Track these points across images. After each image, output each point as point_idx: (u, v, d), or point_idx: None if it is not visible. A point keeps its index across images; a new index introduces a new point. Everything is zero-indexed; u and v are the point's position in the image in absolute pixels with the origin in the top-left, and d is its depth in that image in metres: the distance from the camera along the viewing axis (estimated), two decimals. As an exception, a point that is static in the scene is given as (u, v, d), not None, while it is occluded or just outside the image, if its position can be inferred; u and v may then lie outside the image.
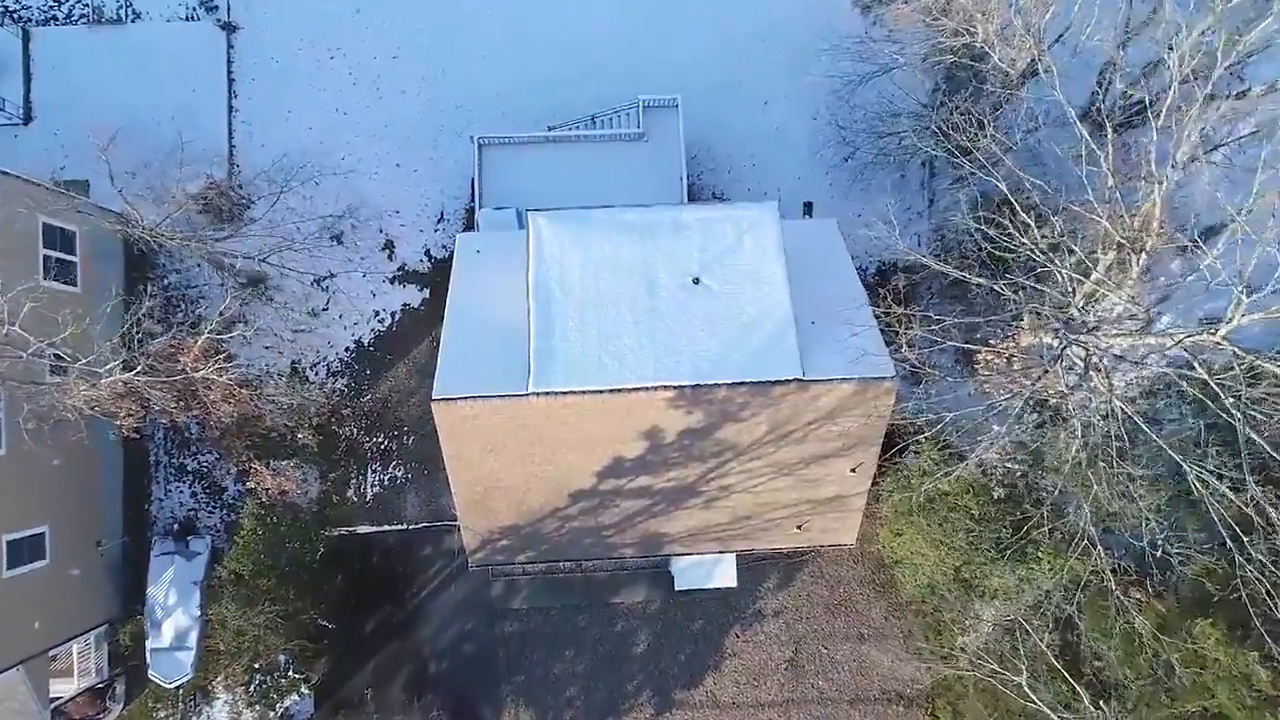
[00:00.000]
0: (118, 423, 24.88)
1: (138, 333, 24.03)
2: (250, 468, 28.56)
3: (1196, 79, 21.86)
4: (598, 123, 32.12)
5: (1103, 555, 22.42)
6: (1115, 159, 23.51)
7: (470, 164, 31.63)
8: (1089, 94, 29.75)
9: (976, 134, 24.81)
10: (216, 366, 24.53)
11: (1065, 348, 24.04)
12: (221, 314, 25.12)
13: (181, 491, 32.45)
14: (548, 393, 23.30)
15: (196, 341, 24.13)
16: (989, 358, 27.31)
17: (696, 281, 24.29)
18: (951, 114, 25.99)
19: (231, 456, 29.13)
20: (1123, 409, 21.72)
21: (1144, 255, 22.22)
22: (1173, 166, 21.35)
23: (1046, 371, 23.41)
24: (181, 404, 24.88)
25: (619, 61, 33.65)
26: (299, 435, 29.97)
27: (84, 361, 22.98)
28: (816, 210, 33.87)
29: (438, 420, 24.04)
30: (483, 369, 24.07)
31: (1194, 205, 30.25)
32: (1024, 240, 23.20)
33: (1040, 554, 25.13)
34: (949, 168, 34.01)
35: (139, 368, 23.25)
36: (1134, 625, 23.24)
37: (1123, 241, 21.76)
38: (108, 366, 22.98)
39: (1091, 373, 22.35)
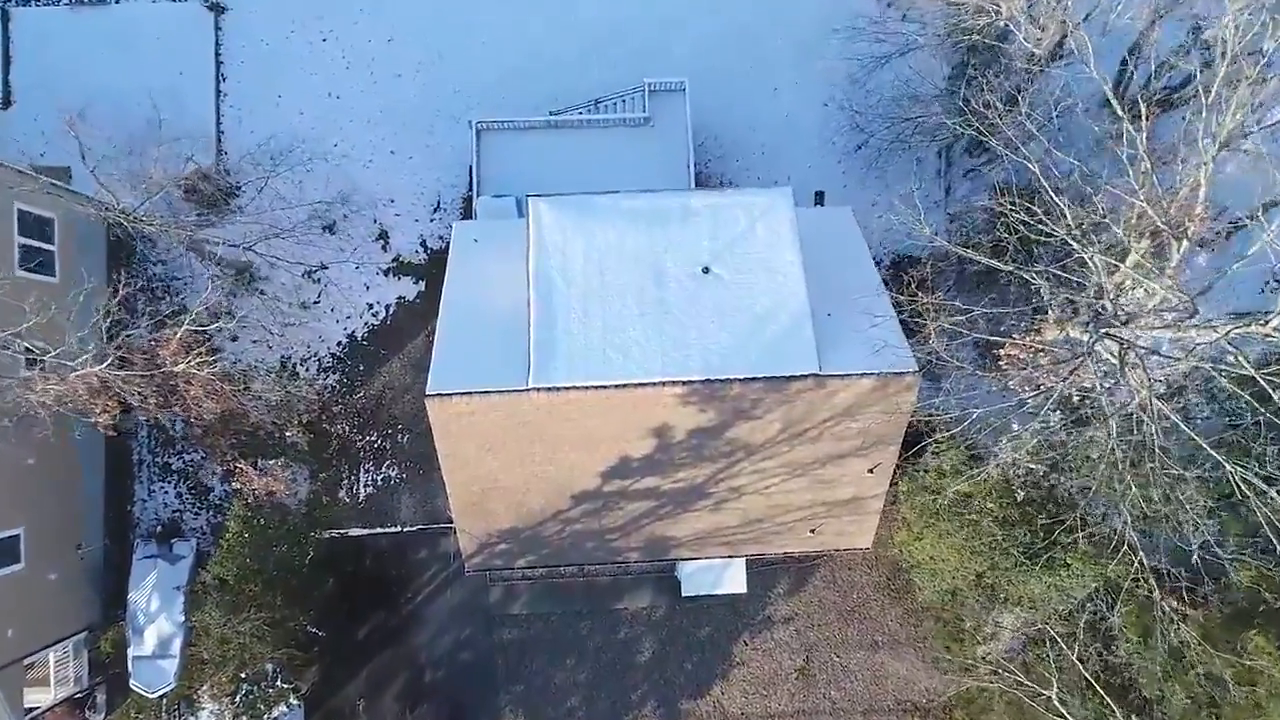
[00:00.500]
0: (93, 420, 23.49)
1: (106, 324, 22.58)
2: (235, 467, 27.18)
3: (1244, 56, 20.48)
4: (601, 108, 30.83)
5: (1145, 562, 20.98)
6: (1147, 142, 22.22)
7: (468, 150, 30.34)
8: (1115, 75, 28.47)
9: (1005, 111, 23.42)
10: (199, 360, 23.11)
11: (1096, 341, 22.73)
12: (202, 304, 23.69)
13: (166, 492, 31.12)
14: (549, 388, 22.13)
15: (175, 334, 22.70)
16: (1013, 353, 25.94)
17: (706, 271, 23.17)
18: (982, 89, 24.65)
19: (215, 455, 27.75)
20: (1160, 407, 20.35)
21: (1185, 241, 20.84)
22: (1219, 145, 19.94)
23: (1078, 368, 22.03)
24: (161, 400, 23.46)
25: (623, 45, 32.51)
26: (287, 433, 28.62)
27: (52, 354, 21.55)
28: (829, 201, 32.63)
29: (432, 417, 22.80)
30: (480, 363, 22.87)
31: (1222, 194, 28.99)
32: (1054, 226, 21.86)
33: (1070, 559, 23.74)
34: (966, 156, 32.89)
35: (109, 360, 21.79)
36: (1178, 637, 21.79)
37: (1163, 227, 20.41)
38: (79, 360, 21.54)
39: (1128, 369, 20.96)
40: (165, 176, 25.39)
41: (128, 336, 22.81)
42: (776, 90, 33.04)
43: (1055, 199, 21.28)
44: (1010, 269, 21.99)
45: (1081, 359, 22.29)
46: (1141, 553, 20.92)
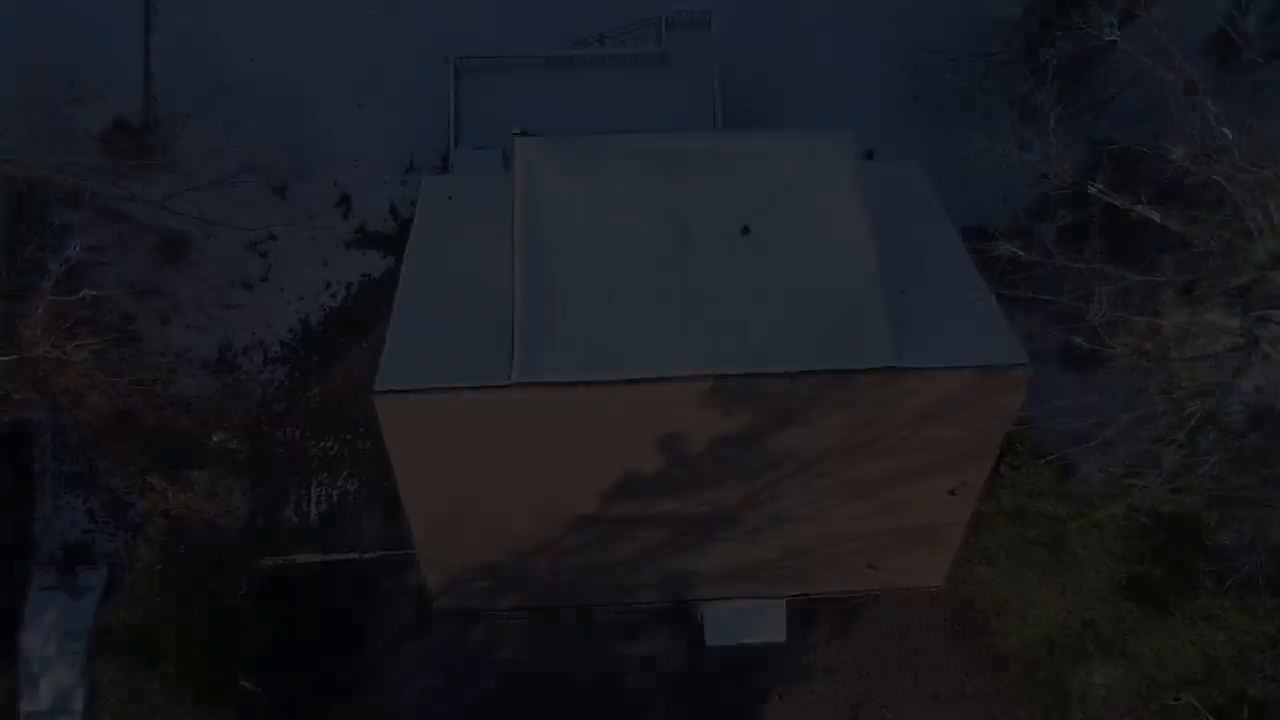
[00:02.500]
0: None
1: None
2: (144, 481, 22.02)
3: None
4: (608, 43, 26.43)
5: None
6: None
7: (446, 97, 25.89)
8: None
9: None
10: (76, 344, 17.82)
11: (1254, 325, 17.55)
12: (67, 261, 18.42)
13: (74, 508, 26.05)
14: (538, 384, 17.91)
15: (38, 306, 17.43)
16: (1130, 341, 20.77)
17: (746, 232, 18.86)
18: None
19: (116, 464, 22.59)
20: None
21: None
22: None
23: (1244, 364, 16.83)
24: (23, 395, 18.21)
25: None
26: (215, 437, 23.48)
27: None
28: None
29: (383, 420, 18.53)
30: (449, 351, 18.88)
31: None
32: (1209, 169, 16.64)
33: (1214, 608, 18.54)
34: (1055, 105, 28.00)
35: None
36: None
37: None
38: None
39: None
40: (29, 100, 20.02)
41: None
42: (815, 30, 28.84)
43: (1220, 127, 16.01)
44: (1181, 226, 16.76)
45: (1246, 350, 17.03)
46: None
